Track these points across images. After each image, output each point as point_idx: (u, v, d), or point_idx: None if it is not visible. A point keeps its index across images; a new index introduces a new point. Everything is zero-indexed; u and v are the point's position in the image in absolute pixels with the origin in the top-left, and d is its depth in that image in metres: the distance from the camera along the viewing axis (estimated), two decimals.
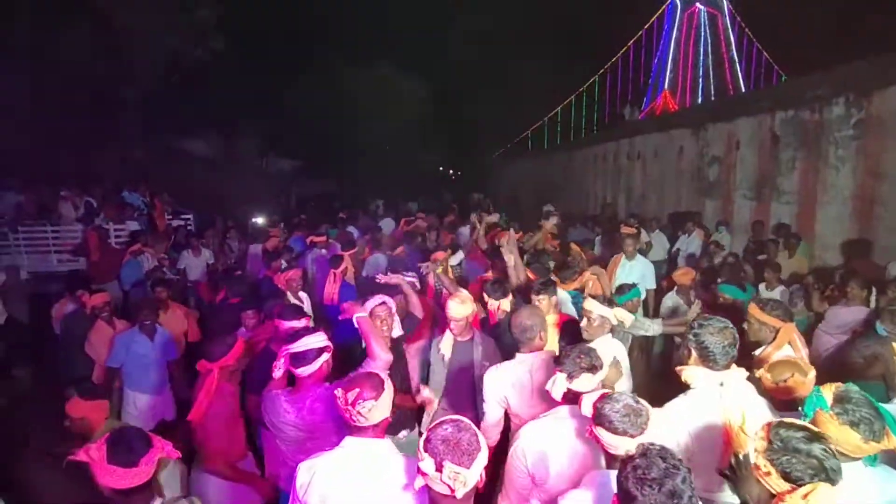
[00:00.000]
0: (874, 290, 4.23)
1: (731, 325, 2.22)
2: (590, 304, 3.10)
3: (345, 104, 23.80)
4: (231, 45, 18.91)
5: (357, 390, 1.89)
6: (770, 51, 34.14)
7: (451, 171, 42.61)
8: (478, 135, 32.29)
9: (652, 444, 1.47)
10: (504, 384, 2.60)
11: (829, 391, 1.79)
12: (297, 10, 23.47)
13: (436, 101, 29.05)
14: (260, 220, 11.76)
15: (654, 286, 5.64)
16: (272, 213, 13.88)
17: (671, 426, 2.06)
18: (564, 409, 2.14)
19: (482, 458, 1.55)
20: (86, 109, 13.51)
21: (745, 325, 2.80)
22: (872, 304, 4.12)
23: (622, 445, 1.72)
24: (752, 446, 1.58)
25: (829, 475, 1.42)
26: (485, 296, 3.58)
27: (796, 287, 4.81)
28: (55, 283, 8.09)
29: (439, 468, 1.51)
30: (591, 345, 2.49)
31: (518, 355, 2.68)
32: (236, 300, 4.65)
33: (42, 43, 12.58)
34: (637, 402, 1.78)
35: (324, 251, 6.76)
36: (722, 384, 2.15)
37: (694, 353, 2.20)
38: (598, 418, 1.78)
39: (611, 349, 3.00)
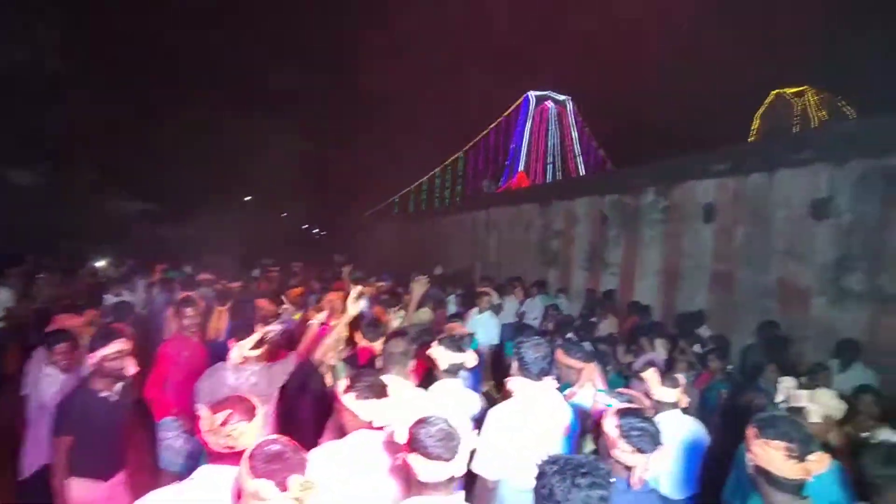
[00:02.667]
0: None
1: (545, 343, 2.67)
2: (436, 351, 3.10)
3: (207, 148, 22.42)
4: (77, 69, 17.06)
5: (228, 411, 1.84)
6: (604, 146, 39.89)
7: (315, 231, 41.89)
8: (345, 197, 32.45)
9: None
10: None
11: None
12: (161, 40, 22.09)
13: (305, 160, 28.78)
14: (101, 263, 10.42)
15: (497, 341, 5.93)
16: (108, 257, 12.33)
17: (497, 429, 2.46)
18: (361, 435, 2.12)
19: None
20: None
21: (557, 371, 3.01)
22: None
23: (436, 471, 1.69)
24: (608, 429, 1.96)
25: (659, 440, 1.92)
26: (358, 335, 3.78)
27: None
28: None
29: (284, 486, 1.48)
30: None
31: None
32: None
33: None
34: (450, 425, 1.77)
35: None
36: (538, 392, 2.57)
37: (515, 365, 2.62)
38: (414, 443, 1.74)
39: (457, 395, 3.01)
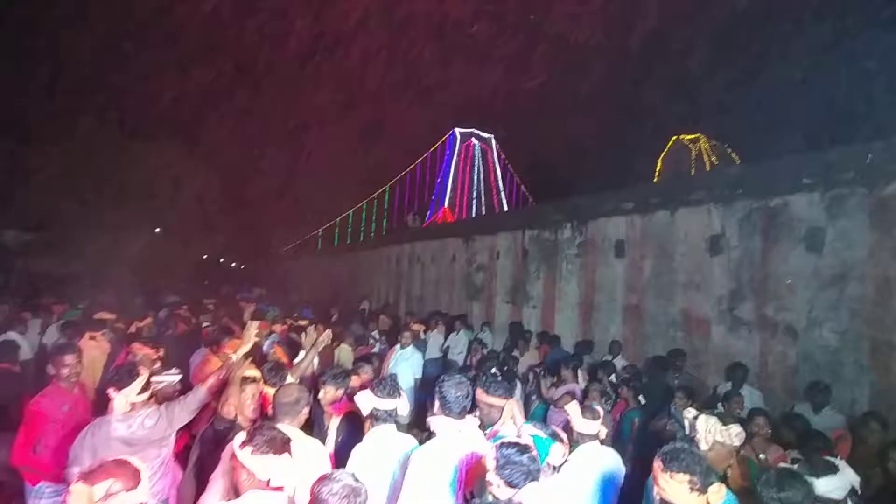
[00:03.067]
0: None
1: (466, 381, 2.66)
2: (361, 397, 2.97)
3: (108, 174, 20.74)
4: None
5: (109, 481, 1.63)
6: (525, 182, 41.69)
7: (234, 264, 40.14)
8: (267, 230, 31.42)
9: None
10: None
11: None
12: (54, 60, 20.49)
13: (222, 191, 27.61)
14: None
15: (419, 375, 5.89)
16: None
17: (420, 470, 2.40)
18: (256, 496, 1.97)
19: None
20: None
21: (476, 412, 3.00)
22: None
23: None
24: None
25: (535, 476, 1.90)
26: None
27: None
28: None
29: None
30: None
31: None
32: None
33: None
34: (357, 480, 1.72)
35: None
36: (460, 430, 2.54)
37: (437, 404, 2.61)
38: (316, 503, 1.67)
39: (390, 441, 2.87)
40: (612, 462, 3.09)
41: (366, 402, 2.87)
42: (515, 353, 7.70)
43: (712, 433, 2.94)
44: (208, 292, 15.11)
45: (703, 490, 1.85)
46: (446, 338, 9.41)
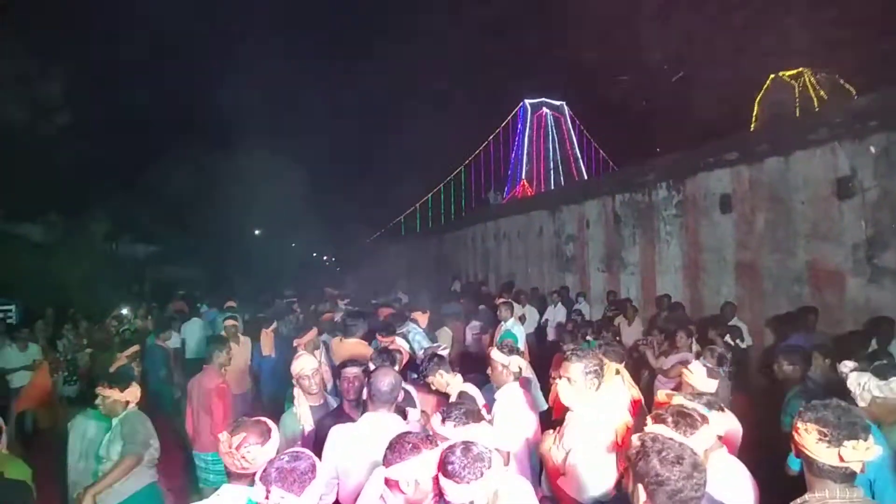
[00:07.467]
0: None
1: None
2: (494, 354, 3.28)
3: (209, 187, 22.49)
4: (81, 122, 17.43)
5: (243, 435, 1.92)
6: (603, 147, 39.88)
7: (325, 258, 42.18)
8: (352, 221, 32.59)
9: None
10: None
11: None
12: (157, 86, 22.36)
13: (309, 188, 28.86)
14: (124, 311, 10.66)
15: (523, 349, 5.81)
16: (124, 302, 12.40)
17: None
18: None
19: (315, 488, 1.59)
20: None
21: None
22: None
23: None
24: None
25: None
26: None
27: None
28: None
29: (267, 496, 1.55)
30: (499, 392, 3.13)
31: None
32: None
33: None
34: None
35: None
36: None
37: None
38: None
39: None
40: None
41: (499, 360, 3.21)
42: (618, 320, 7.44)
43: (868, 389, 2.68)
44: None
45: (835, 444, 1.64)
46: (542, 312, 9.28)
